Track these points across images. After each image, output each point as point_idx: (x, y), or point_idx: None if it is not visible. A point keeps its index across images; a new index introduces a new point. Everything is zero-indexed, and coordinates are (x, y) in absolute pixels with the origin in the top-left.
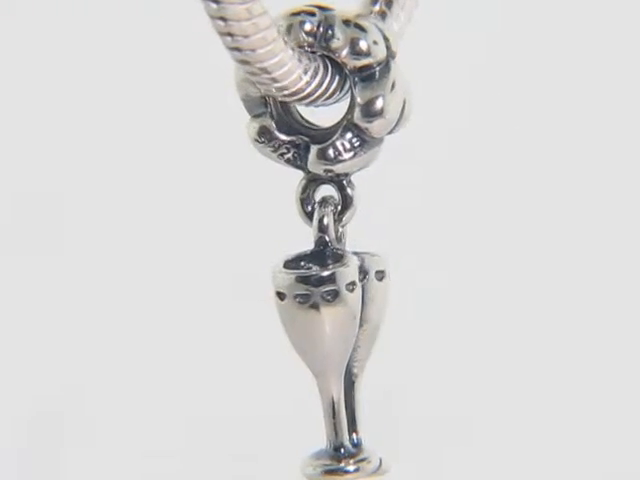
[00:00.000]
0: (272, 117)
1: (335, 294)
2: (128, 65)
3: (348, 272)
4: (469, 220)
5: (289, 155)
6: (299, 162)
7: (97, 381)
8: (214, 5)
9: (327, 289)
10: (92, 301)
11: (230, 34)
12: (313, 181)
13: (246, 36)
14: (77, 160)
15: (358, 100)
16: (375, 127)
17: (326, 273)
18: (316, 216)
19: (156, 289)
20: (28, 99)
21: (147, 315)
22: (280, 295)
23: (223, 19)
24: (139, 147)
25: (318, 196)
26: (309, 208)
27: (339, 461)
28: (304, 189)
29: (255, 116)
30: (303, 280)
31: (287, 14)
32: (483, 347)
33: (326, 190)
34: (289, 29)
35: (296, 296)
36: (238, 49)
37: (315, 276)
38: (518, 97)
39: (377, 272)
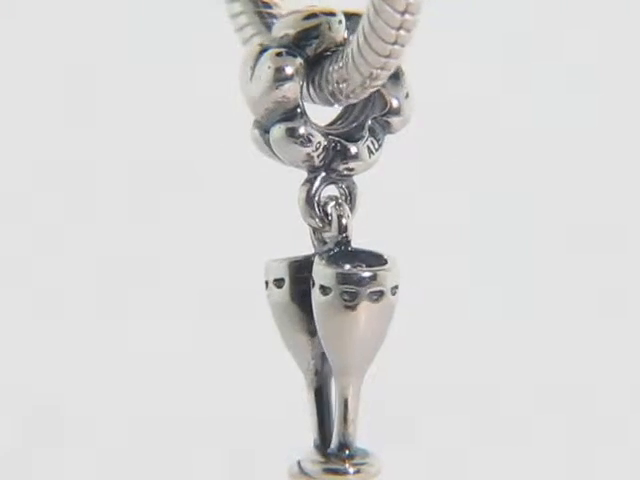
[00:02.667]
0: (307, 119)
1: (379, 295)
2: (129, 64)
3: (391, 275)
4: (461, 222)
5: (323, 155)
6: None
7: (96, 382)
8: None
9: (372, 290)
10: (90, 301)
11: (401, 27)
12: (320, 182)
13: (408, 30)
14: (75, 157)
15: (391, 99)
16: (398, 124)
17: (368, 274)
18: (335, 216)
19: (153, 290)
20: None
21: (145, 315)
22: (324, 290)
23: (409, 12)
24: (138, 151)
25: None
26: (317, 209)
27: (343, 461)
28: (314, 190)
29: (283, 120)
30: (348, 278)
31: (312, 14)
32: (483, 348)
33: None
34: (328, 29)
35: (341, 293)
36: (397, 42)
37: (359, 275)
38: (518, 99)
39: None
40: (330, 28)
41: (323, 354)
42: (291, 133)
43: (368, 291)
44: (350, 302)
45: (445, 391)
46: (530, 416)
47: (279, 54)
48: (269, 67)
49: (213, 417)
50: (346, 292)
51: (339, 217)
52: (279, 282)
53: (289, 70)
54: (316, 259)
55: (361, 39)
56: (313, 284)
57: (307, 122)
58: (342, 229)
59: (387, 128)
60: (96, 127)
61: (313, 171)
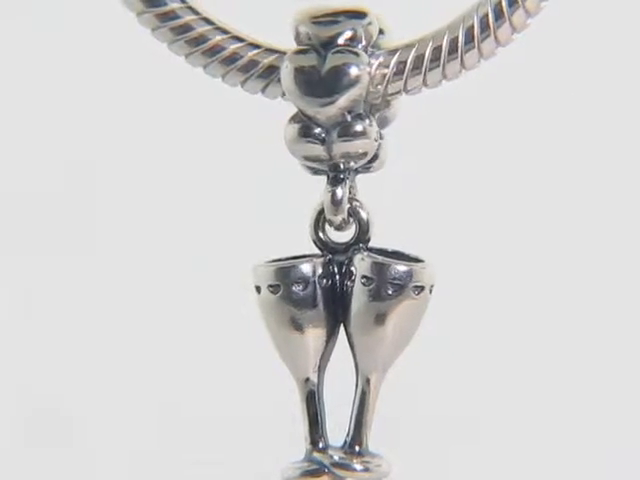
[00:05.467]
0: None
1: (426, 289)
2: (130, 65)
3: (427, 272)
4: (460, 217)
5: None
6: None
7: (95, 383)
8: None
9: (432, 284)
10: (88, 302)
11: (534, 15)
12: (346, 181)
13: (534, 17)
14: (77, 157)
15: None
16: (392, 119)
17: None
18: (357, 214)
19: (150, 291)
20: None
21: (143, 316)
22: (395, 287)
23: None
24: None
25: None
26: (344, 207)
27: (352, 457)
28: (341, 189)
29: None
30: (416, 274)
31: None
32: (488, 347)
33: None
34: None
35: (413, 288)
36: (508, 42)
37: (426, 271)
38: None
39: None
40: (358, 31)
41: (321, 359)
42: (368, 131)
43: (430, 285)
44: (417, 296)
45: (442, 395)
46: (524, 420)
47: (341, 52)
48: (350, 65)
49: (211, 417)
50: (416, 287)
51: (362, 215)
52: (275, 287)
53: (360, 69)
54: (363, 257)
55: (475, 33)
56: (368, 282)
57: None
58: (366, 226)
59: (384, 125)
60: (95, 120)
61: (335, 171)
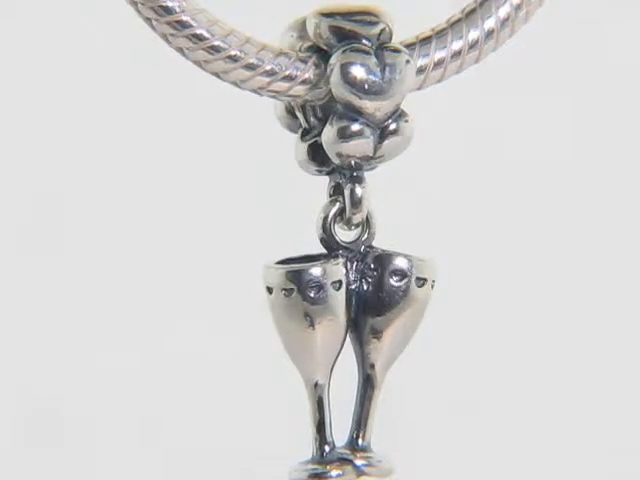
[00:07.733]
0: None
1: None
2: (128, 65)
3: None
4: (461, 217)
5: None
6: None
7: (96, 383)
8: None
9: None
10: (89, 301)
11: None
12: (365, 180)
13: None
14: (76, 158)
15: None
16: None
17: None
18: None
19: (154, 294)
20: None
21: (145, 318)
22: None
23: None
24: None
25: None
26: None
27: (355, 452)
28: (361, 188)
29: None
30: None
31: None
32: (485, 345)
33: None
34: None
35: (433, 282)
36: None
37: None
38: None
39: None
40: (386, 29)
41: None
42: (403, 128)
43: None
44: (432, 290)
45: (445, 393)
46: (524, 420)
47: (389, 49)
48: (403, 61)
49: (212, 420)
50: (433, 281)
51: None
52: (316, 289)
53: (410, 65)
54: (382, 254)
55: (498, 26)
56: (396, 277)
57: None
58: (373, 225)
59: None
60: (94, 123)
61: (350, 170)
